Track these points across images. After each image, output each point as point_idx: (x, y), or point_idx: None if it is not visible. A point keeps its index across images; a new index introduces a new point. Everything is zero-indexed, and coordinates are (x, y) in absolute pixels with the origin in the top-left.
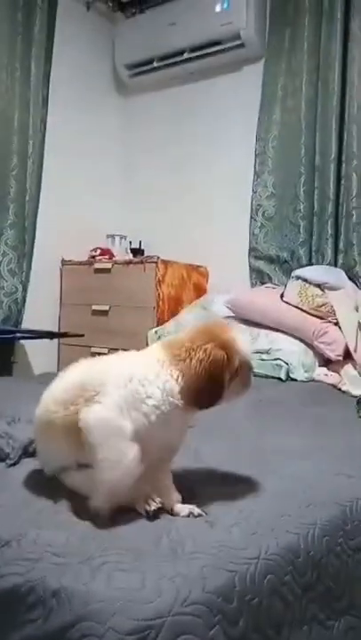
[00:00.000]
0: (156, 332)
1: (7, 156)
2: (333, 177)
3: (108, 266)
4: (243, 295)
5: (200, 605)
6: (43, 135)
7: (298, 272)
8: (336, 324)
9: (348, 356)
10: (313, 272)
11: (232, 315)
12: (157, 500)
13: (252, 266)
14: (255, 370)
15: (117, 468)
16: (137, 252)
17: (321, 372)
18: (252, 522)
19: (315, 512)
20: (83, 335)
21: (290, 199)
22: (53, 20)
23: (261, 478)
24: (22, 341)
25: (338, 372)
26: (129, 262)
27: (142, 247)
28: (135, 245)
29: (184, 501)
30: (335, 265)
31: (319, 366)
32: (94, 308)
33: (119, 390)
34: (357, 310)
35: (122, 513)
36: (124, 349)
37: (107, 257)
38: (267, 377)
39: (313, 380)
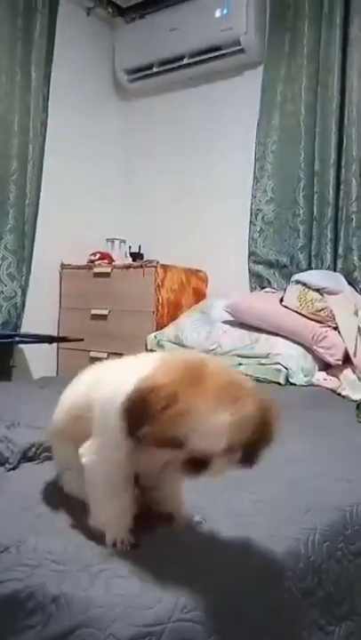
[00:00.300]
0: (155, 336)
1: (7, 160)
2: (333, 182)
3: (108, 270)
4: (242, 300)
5: (200, 612)
6: (43, 139)
7: (297, 276)
8: (335, 328)
9: (347, 360)
10: (312, 276)
11: (231, 319)
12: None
13: (252, 270)
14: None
15: (107, 510)
16: (136, 256)
17: (320, 377)
18: (252, 527)
19: (315, 517)
20: (82, 339)
21: (289, 204)
22: (54, 25)
23: (260, 483)
24: (21, 346)
25: (337, 377)
26: (128, 267)
27: (142, 251)
28: (135, 250)
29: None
30: (334, 269)
31: (318, 371)
32: (93, 312)
33: (109, 420)
34: (357, 315)
35: None
36: (124, 354)
37: (106, 261)
38: (266, 381)
39: (312, 385)
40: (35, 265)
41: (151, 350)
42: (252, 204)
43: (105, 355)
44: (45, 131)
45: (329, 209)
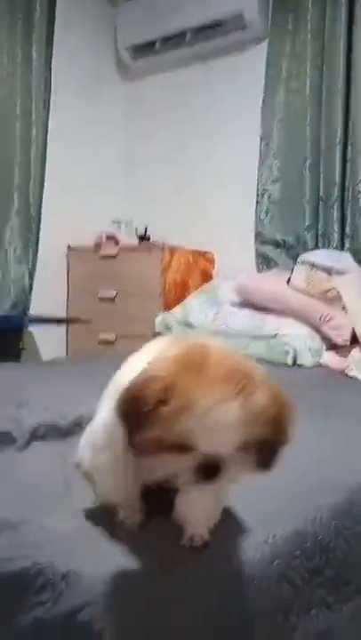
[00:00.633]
0: (163, 318)
1: (11, 143)
2: (339, 160)
3: (114, 252)
4: (249, 280)
5: (202, 594)
6: (46, 120)
7: (304, 257)
8: (343, 308)
9: (355, 340)
10: (319, 256)
11: (239, 300)
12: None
13: (259, 251)
14: (259, 355)
15: (106, 495)
16: (143, 238)
17: (328, 358)
18: (259, 507)
19: (323, 496)
20: (90, 321)
21: (295, 183)
22: (54, 5)
23: None
24: (30, 328)
25: (345, 357)
26: (135, 248)
27: (148, 233)
28: (141, 231)
29: None
30: (342, 249)
31: (326, 351)
32: (101, 294)
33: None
34: None
35: None
36: (132, 336)
37: (113, 243)
38: (273, 363)
39: (320, 366)
40: (41, 247)
41: (159, 334)
42: (258, 183)
43: (113, 336)
44: (48, 112)
45: (335, 188)
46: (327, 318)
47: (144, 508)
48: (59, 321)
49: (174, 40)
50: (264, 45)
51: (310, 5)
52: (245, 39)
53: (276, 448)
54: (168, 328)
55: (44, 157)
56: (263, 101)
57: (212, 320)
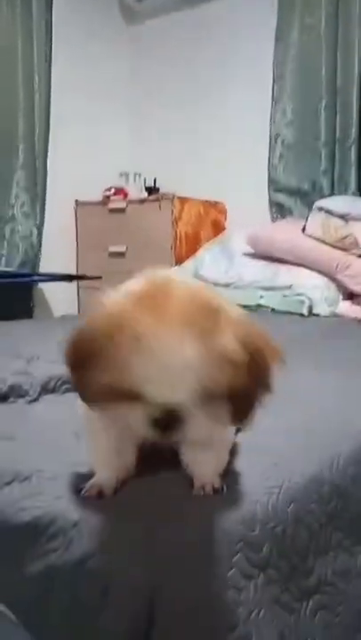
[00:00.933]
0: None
1: (13, 91)
2: (357, 98)
3: (123, 205)
4: (262, 230)
5: (221, 534)
6: (48, 67)
7: (320, 203)
8: (360, 256)
9: None
10: (336, 202)
11: (252, 251)
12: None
13: (272, 199)
14: (273, 306)
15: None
16: (152, 190)
17: (345, 307)
18: (274, 453)
19: (338, 443)
20: (100, 277)
21: (310, 125)
22: None
23: (283, 411)
24: (40, 285)
25: None
26: (144, 201)
27: (157, 185)
28: (150, 183)
29: None
30: (359, 194)
31: (343, 300)
32: (111, 249)
33: None
34: None
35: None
36: None
37: (121, 196)
38: (289, 313)
39: (336, 315)
40: (49, 203)
41: None
42: (270, 127)
43: None
44: (51, 59)
45: (353, 129)
46: (344, 266)
47: (133, 471)
48: (67, 278)
49: None
50: None
51: None
52: None
53: (252, 398)
54: None
55: (48, 106)
56: (276, 40)
57: (225, 272)
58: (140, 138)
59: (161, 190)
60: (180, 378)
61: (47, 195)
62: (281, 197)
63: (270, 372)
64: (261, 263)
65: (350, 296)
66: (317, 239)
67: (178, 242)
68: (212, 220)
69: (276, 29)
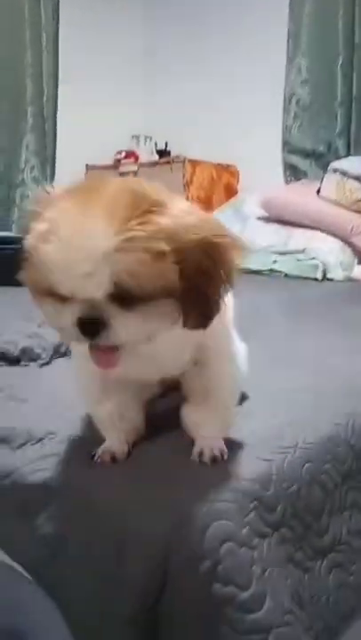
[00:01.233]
0: None
1: (20, 51)
2: None
3: (134, 169)
4: (276, 193)
5: (235, 493)
6: (56, 24)
7: (335, 164)
8: None
9: None
10: (352, 163)
11: (265, 215)
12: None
13: (286, 161)
14: (287, 271)
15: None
16: (163, 153)
17: (359, 271)
18: (289, 413)
19: (353, 404)
20: None
21: (326, 84)
22: None
23: (296, 373)
24: None
25: None
26: (155, 164)
27: (168, 148)
28: (161, 146)
29: None
30: None
31: (358, 264)
32: None
33: None
34: None
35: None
36: None
37: (132, 160)
38: (303, 278)
39: (351, 280)
40: (59, 167)
41: None
42: (285, 87)
43: None
44: (58, 16)
45: None
46: (359, 229)
47: (143, 432)
48: None
49: None
50: None
51: None
52: None
53: (208, 295)
54: None
55: (57, 66)
56: None
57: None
58: (152, 100)
59: (172, 153)
60: (91, 269)
61: (57, 158)
62: (295, 159)
63: (228, 264)
64: (275, 227)
65: None
66: (332, 201)
67: None
68: (225, 184)
69: None
